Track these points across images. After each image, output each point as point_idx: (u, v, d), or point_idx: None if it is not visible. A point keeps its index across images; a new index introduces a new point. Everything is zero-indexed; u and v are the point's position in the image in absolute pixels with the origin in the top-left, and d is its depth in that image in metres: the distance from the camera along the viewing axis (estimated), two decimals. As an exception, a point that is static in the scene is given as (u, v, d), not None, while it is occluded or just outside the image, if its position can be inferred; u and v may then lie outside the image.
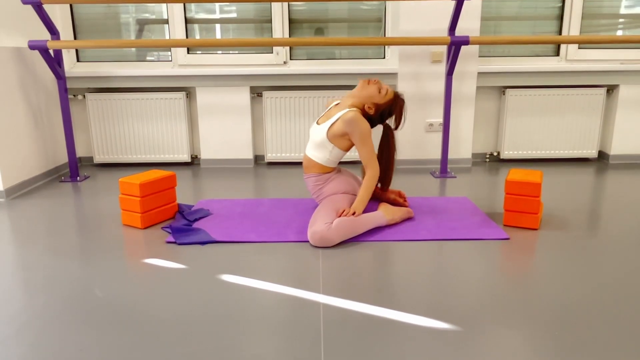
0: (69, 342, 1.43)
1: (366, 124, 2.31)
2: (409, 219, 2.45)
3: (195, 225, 2.38)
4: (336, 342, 1.42)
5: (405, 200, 2.64)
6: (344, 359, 1.34)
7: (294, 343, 1.42)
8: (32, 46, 2.95)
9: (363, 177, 2.44)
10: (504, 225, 2.36)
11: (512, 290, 1.72)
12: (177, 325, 1.52)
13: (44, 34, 3.29)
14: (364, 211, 2.34)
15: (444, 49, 3.41)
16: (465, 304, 1.63)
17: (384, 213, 2.35)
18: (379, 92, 2.37)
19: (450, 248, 2.11)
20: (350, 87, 3.63)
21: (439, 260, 1.99)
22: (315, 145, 2.42)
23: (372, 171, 2.36)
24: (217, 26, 3.72)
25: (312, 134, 2.45)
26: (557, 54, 3.75)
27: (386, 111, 2.41)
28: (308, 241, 2.17)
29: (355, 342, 1.42)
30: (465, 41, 2.99)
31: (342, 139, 2.35)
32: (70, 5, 3.60)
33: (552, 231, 2.29)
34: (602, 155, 3.85)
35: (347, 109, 2.35)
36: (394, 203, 2.61)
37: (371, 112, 2.39)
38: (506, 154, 3.74)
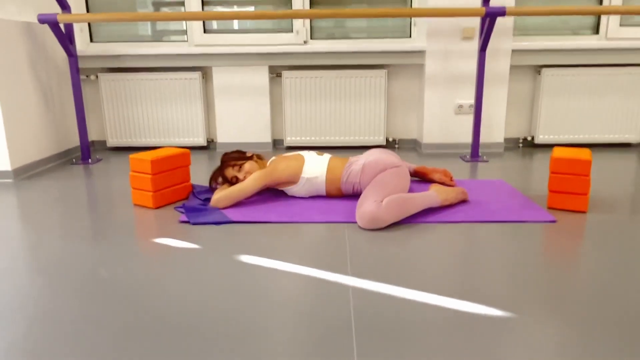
0: (79, 322, 1.27)
1: (255, 174, 2.25)
2: (464, 201, 2.24)
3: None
4: (367, 325, 1.23)
5: (451, 180, 2.48)
6: (378, 343, 1.15)
7: (321, 328, 1.23)
8: (42, 20, 2.81)
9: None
10: (548, 207, 2.15)
11: (565, 278, 1.51)
12: (190, 307, 1.35)
13: (55, 10, 3.15)
14: (415, 191, 2.17)
15: (476, 23, 3.18)
16: (507, 289, 1.43)
17: (437, 193, 2.15)
18: (241, 169, 2.32)
19: (490, 231, 1.90)
20: (373, 67, 3.44)
21: (478, 243, 1.79)
22: (301, 189, 2.32)
23: (245, 185, 2.20)
24: (235, 8, 3.54)
25: (294, 193, 2.37)
26: (597, 32, 3.49)
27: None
28: (332, 222, 1.99)
29: (387, 328, 1.23)
30: (502, 12, 2.76)
31: (271, 171, 2.27)
32: (83, -18, 3.47)
33: (602, 214, 2.07)
34: (645, 141, 3.58)
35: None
36: (440, 183, 2.45)
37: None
38: (541, 138, 3.49)
